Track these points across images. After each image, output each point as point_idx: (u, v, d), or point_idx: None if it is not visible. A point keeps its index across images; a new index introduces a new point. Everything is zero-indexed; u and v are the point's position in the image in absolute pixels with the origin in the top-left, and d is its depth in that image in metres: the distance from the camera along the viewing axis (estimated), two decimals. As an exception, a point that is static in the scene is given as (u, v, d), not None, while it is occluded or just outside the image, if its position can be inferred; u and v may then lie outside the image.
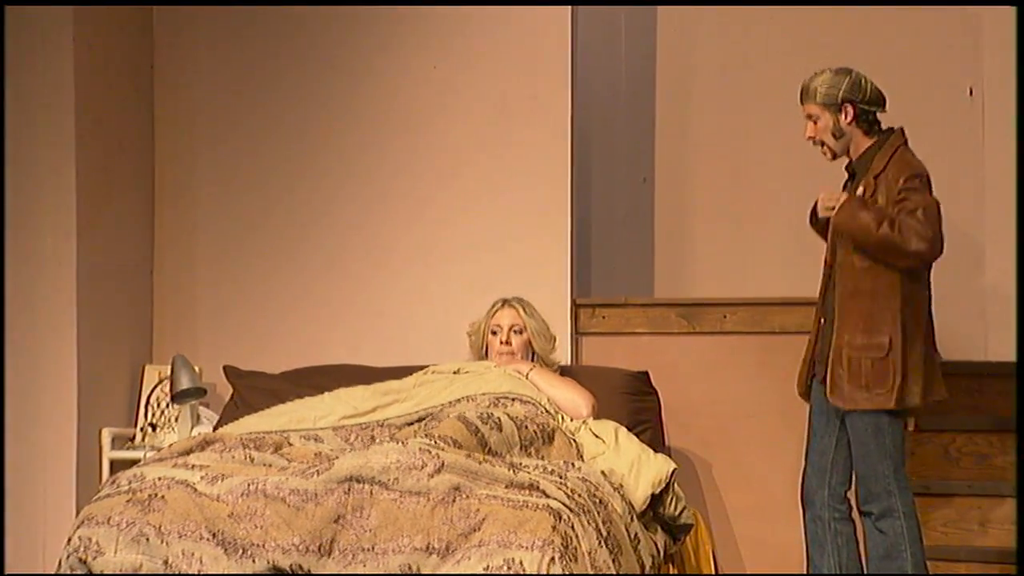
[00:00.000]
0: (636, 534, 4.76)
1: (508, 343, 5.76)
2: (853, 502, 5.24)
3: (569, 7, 6.19)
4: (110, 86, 6.20)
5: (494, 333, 5.80)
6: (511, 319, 5.80)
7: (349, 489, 4.44)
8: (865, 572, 5.22)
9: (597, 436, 5.32)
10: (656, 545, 4.98)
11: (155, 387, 6.25)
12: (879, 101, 5.13)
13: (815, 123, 5.14)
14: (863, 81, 5.11)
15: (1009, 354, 6.37)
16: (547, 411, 5.37)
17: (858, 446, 5.10)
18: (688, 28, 6.87)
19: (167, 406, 6.20)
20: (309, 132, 6.41)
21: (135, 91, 6.40)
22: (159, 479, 4.62)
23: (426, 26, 6.33)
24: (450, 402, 5.38)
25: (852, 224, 5.02)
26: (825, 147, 5.17)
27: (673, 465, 5.15)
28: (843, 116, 5.11)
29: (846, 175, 5.25)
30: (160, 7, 6.46)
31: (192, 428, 6.03)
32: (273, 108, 6.45)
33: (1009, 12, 6.37)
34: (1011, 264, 6.44)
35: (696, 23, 6.85)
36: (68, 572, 4.49)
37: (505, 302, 5.84)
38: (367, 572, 4.34)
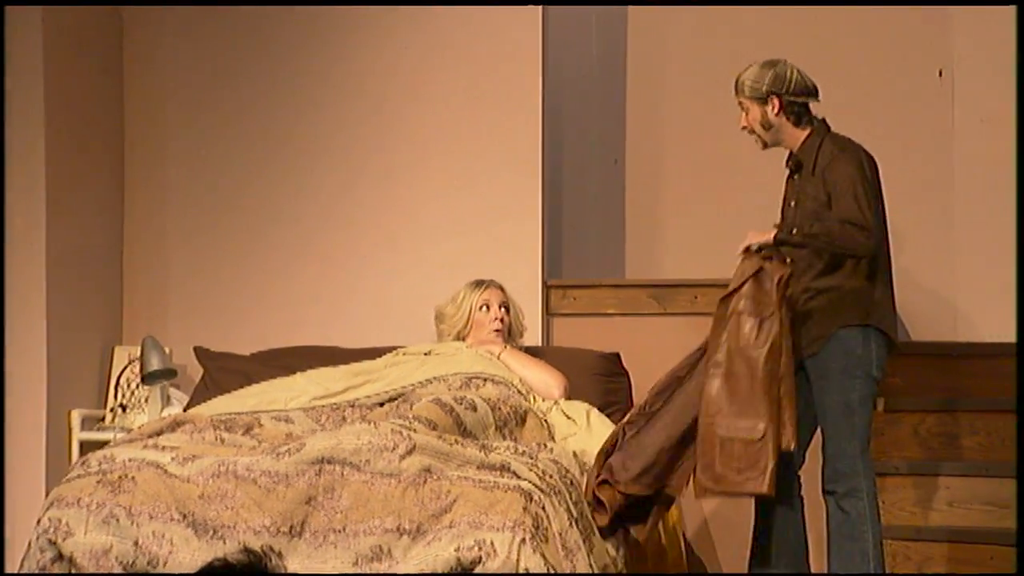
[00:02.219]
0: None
1: (501, 320, 5.74)
2: (802, 480, 5.27)
3: (540, 7, 6.21)
4: (79, 69, 6.17)
5: (485, 309, 5.75)
6: (499, 297, 5.79)
7: (320, 470, 4.44)
8: (809, 550, 5.28)
9: (569, 417, 5.33)
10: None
11: (125, 368, 6.24)
12: (807, 92, 5.18)
13: (747, 114, 5.22)
14: (788, 73, 5.17)
15: (978, 335, 6.41)
16: (519, 392, 5.37)
17: (827, 426, 5.12)
18: (659, 15, 6.87)
19: (137, 387, 6.18)
20: (280, 115, 6.40)
21: (104, 73, 6.37)
22: (129, 460, 4.61)
23: (397, 10, 6.32)
24: (422, 382, 5.38)
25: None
26: (756, 137, 5.25)
27: (645, 446, 5.15)
28: (770, 108, 5.17)
29: (790, 168, 5.28)
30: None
31: (162, 409, 6.02)
32: (243, 91, 6.43)
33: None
34: (981, 245, 6.47)
35: (667, 10, 6.85)
36: (38, 553, 4.47)
37: (489, 282, 5.82)
38: (338, 553, 4.34)
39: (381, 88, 6.34)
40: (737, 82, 5.23)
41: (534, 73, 6.20)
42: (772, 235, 5.05)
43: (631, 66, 6.90)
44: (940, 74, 6.56)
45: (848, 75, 6.62)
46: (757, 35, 6.67)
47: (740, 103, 5.23)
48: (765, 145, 5.26)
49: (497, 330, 5.71)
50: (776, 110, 5.17)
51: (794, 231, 5.03)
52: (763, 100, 5.17)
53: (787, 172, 5.31)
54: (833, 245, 5.02)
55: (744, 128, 5.25)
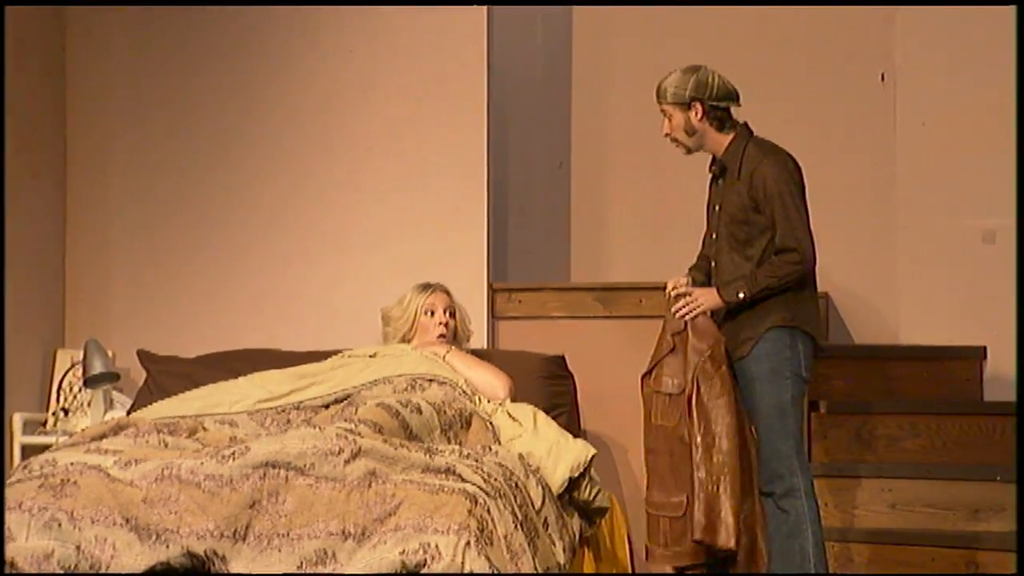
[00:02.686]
0: (546, 518, 4.77)
1: (445, 324, 5.74)
2: None
3: (485, 7, 6.21)
4: (21, 70, 6.12)
5: (430, 314, 5.75)
6: (444, 302, 5.79)
7: (265, 474, 4.43)
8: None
9: (514, 419, 5.33)
10: (571, 529, 4.99)
11: (67, 371, 6.19)
12: (729, 96, 5.22)
13: (669, 121, 5.24)
14: (710, 78, 5.20)
15: (920, 338, 6.45)
16: (464, 393, 5.37)
17: (761, 428, 5.16)
18: (605, 11, 6.89)
19: (80, 391, 6.14)
20: (224, 118, 6.37)
21: (46, 75, 6.33)
22: (72, 464, 4.58)
23: (343, 14, 6.31)
24: (367, 384, 5.37)
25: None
26: (679, 143, 5.26)
27: (592, 450, 5.17)
28: (693, 114, 5.20)
29: (714, 173, 5.31)
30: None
31: (105, 413, 5.99)
32: (188, 92, 6.40)
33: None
34: (923, 248, 6.51)
35: (612, 18, 6.88)
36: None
37: (434, 286, 5.82)
38: (282, 557, 4.33)
39: (326, 92, 6.33)
40: (659, 89, 5.25)
41: (479, 76, 6.20)
42: (720, 300, 5.11)
43: (576, 70, 6.92)
44: (882, 77, 6.61)
45: (790, 78, 6.66)
46: (700, 37, 6.70)
47: (663, 110, 5.25)
48: (688, 151, 5.29)
49: (441, 335, 5.72)
50: (699, 115, 5.20)
51: (741, 295, 5.09)
52: (686, 106, 5.20)
53: (711, 177, 5.34)
54: (780, 285, 5.09)
55: (667, 135, 5.28)
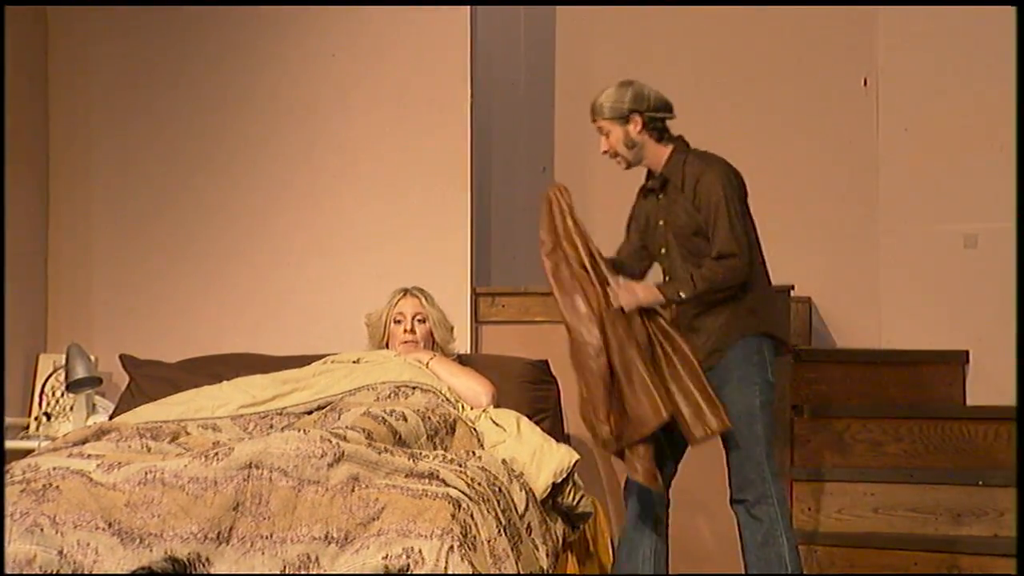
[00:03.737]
0: (530, 523, 4.78)
1: (412, 331, 5.76)
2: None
3: (468, 7, 6.21)
4: (3, 75, 6.11)
5: (397, 322, 5.80)
6: (414, 308, 5.80)
7: (248, 476, 4.42)
8: (670, 560, 5.33)
9: (498, 424, 5.33)
10: (555, 534, 4.99)
11: (50, 376, 6.18)
12: (665, 108, 5.23)
13: (607, 137, 5.23)
14: (646, 90, 5.22)
15: (903, 342, 6.46)
16: (448, 400, 5.37)
17: (731, 435, 5.15)
18: (587, 16, 6.90)
19: (62, 395, 6.13)
20: (207, 121, 6.37)
21: (30, 80, 6.32)
22: (54, 469, 4.57)
23: (324, 15, 6.31)
24: (350, 391, 5.36)
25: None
26: (619, 159, 5.26)
27: (576, 455, 5.17)
28: (632, 127, 5.20)
29: (657, 186, 5.31)
30: (54, -1, 6.40)
31: (87, 418, 5.98)
32: (170, 98, 6.40)
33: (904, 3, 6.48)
34: (905, 253, 6.53)
35: (595, 12, 6.88)
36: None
37: (407, 291, 5.85)
38: (265, 560, 4.32)
39: (309, 96, 6.33)
40: (595, 106, 5.23)
41: (462, 80, 6.21)
42: (661, 297, 5.10)
43: (559, 74, 6.93)
44: (865, 83, 6.62)
45: (773, 82, 6.67)
46: (682, 43, 6.72)
47: (600, 127, 5.23)
48: (628, 165, 5.29)
49: (406, 342, 5.73)
50: (639, 128, 5.20)
51: (681, 293, 5.08)
52: (624, 120, 5.19)
53: (645, 190, 5.33)
54: (719, 290, 5.09)
55: (605, 152, 5.27)
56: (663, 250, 5.24)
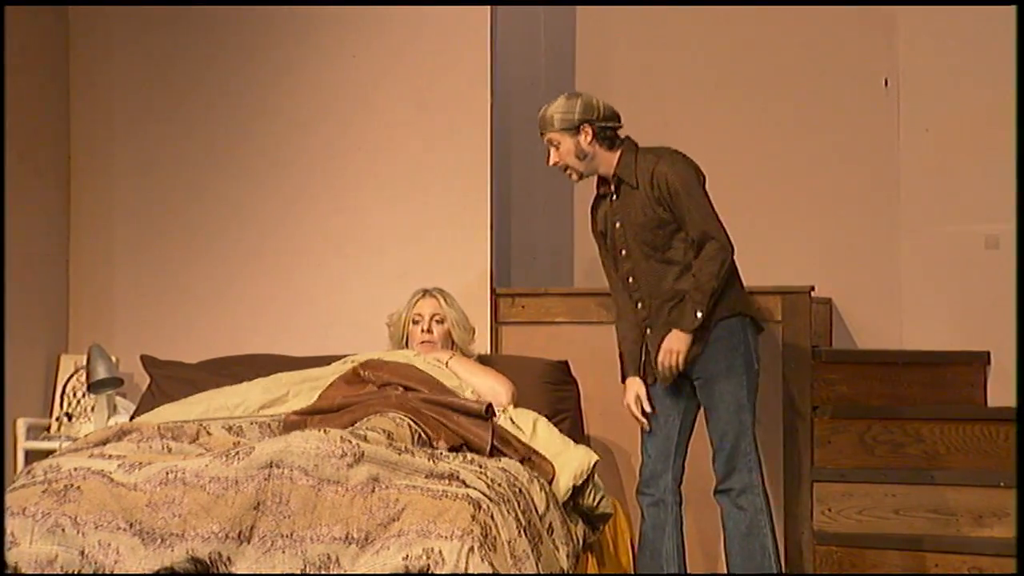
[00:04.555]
0: (550, 523, 4.77)
1: (430, 331, 5.77)
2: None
3: (488, 7, 6.21)
4: (25, 75, 6.13)
5: (415, 322, 5.81)
6: (432, 309, 5.81)
7: (269, 475, 4.42)
8: (687, 557, 5.37)
9: (517, 425, 5.33)
10: (575, 535, 4.99)
11: (71, 377, 6.20)
12: (614, 117, 5.26)
13: (557, 149, 5.24)
14: (595, 101, 5.25)
15: (924, 343, 6.45)
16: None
17: (719, 424, 5.17)
18: (607, 17, 6.90)
19: (83, 396, 6.14)
20: (228, 124, 6.38)
21: (52, 80, 6.34)
22: (75, 469, 4.58)
23: (345, 16, 6.31)
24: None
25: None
26: (570, 170, 5.27)
27: (595, 457, 5.17)
28: (583, 137, 5.21)
29: (610, 190, 5.31)
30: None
31: (108, 418, 5.99)
32: (192, 97, 6.41)
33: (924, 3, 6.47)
34: (926, 254, 6.51)
35: (615, 18, 6.89)
36: (-18, 563, 4.44)
37: (426, 292, 5.86)
38: (286, 559, 4.32)
39: (329, 97, 6.33)
40: (543, 118, 5.25)
41: (482, 81, 6.20)
42: (687, 334, 5.13)
43: (579, 75, 6.92)
44: (886, 83, 6.61)
45: (794, 84, 6.67)
46: (701, 44, 6.71)
47: (549, 139, 5.25)
48: (580, 176, 5.31)
49: (424, 342, 5.74)
50: (589, 138, 5.22)
51: (698, 314, 5.09)
52: (575, 131, 5.21)
53: (598, 198, 5.34)
54: (720, 281, 5.11)
55: (556, 164, 5.27)
56: (623, 251, 5.26)
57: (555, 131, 5.22)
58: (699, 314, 5.10)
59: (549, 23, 7.01)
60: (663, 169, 5.13)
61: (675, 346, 5.15)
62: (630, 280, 5.30)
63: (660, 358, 5.18)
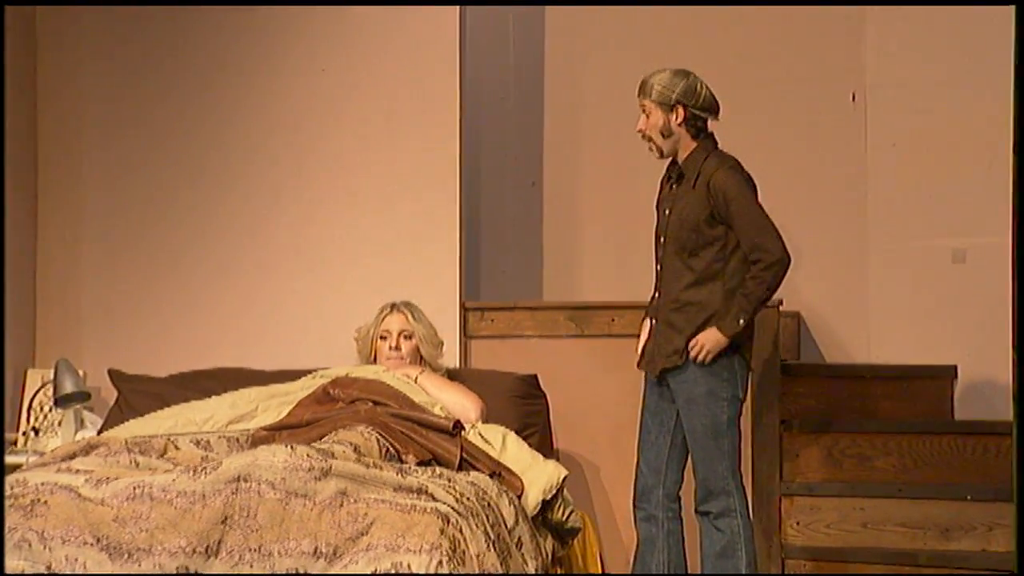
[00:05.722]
0: (519, 538, 4.77)
1: (398, 348, 5.77)
2: (683, 501, 5.33)
3: (457, 7, 6.20)
4: (2, 75, 6.10)
5: (383, 338, 5.80)
6: (400, 324, 5.80)
7: (236, 489, 4.41)
8: (689, 570, 5.35)
9: (486, 440, 5.32)
10: (544, 549, 4.99)
11: (38, 391, 6.17)
12: (712, 108, 5.24)
13: (648, 118, 5.22)
14: (699, 86, 5.21)
15: (892, 357, 6.47)
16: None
17: (697, 448, 5.17)
18: (576, 29, 6.91)
19: (50, 410, 6.11)
20: (196, 134, 6.36)
21: (18, 91, 6.31)
22: (42, 484, 4.56)
23: (314, 29, 6.31)
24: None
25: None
26: (652, 143, 5.25)
27: (564, 472, 5.17)
28: (674, 116, 5.20)
29: (671, 176, 5.32)
30: (44, 7, 6.38)
31: (76, 432, 5.96)
32: (160, 110, 6.39)
33: (892, 17, 6.49)
34: (894, 268, 6.54)
35: (584, 24, 6.90)
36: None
37: (393, 307, 5.84)
38: (255, 573, 4.31)
39: (299, 109, 6.32)
40: (644, 84, 5.22)
41: (452, 94, 6.20)
42: (724, 337, 5.11)
43: (548, 89, 6.93)
44: (853, 98, 6.63)
45: (762, 96, 6.69)
46: (669, 54, 6.72)
47: (643, 106, 5.23)
48: (661, 154, 5.27)
49: (391, 359, 5.73)
50: (680, 120, 5.20)
51: (740, 320, 5.08)
52: (669, 107, 5.19)
53: (668, 176, 5.33)
54: (771, 293, 5.09)
55: (640, 131, 5.25)
56: (663, 239, 5.25)
57: (650, 100, 5.20)
58: (741, 321, 5.08)
59: (518, 24, 7.01)
60: (720, 177, 5.11)
61: (708, 344, 5.13)
62: (659, 268, 5.29)
63: (690, 346, 5.15)
